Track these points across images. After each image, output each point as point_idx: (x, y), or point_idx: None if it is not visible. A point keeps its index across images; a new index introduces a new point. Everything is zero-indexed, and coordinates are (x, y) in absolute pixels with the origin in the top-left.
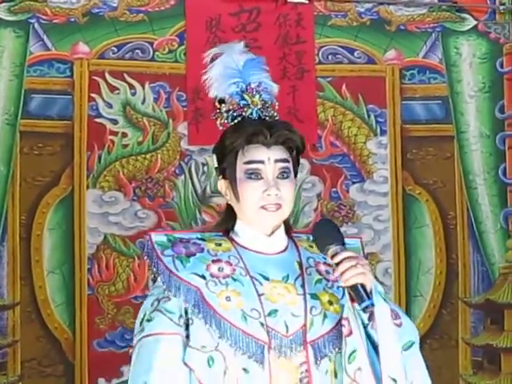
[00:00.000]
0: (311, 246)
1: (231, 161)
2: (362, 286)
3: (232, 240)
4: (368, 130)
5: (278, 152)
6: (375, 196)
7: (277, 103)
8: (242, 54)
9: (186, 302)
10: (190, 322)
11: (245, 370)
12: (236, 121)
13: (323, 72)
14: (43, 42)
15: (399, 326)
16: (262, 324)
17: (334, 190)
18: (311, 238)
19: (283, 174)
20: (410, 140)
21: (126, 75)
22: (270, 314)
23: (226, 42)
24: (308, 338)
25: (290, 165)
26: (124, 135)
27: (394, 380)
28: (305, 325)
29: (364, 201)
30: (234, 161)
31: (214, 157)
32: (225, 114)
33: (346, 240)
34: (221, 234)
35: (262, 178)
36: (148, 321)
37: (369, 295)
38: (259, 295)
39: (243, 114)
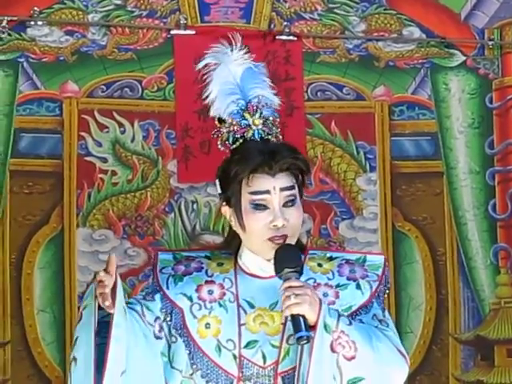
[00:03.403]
0: (320, 265)
1: (236, 190)
2: (303, 316)
3: (236, 260)
4: (357, 166)
5: (283, 180)
6: (365, 233)
7: (278, 117)
8: (238, 64)
9: (170, 321)
10: (174, 339)
11: None
12: (238, 143)
13: (312, 109)
14: (32, 80)
15: (349, 359)
16: (234, 356)
17: (323, 226)
18: (327, 254)
19: (289, 203)
20: (399, 176)
21: (115, 113)
22: (247, 345)
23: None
24: (279, 369)
25: (296, 191)
26: (113, 173)
27: None
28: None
29: (354, 237)
30: (239, 190)
31: (218, 183)
32: (226, 135)
33: (369, 256)
34: (229, 252)
35: (268, 208)
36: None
37: (306, 326)
38: (240, 325)
39: (244, 135)
